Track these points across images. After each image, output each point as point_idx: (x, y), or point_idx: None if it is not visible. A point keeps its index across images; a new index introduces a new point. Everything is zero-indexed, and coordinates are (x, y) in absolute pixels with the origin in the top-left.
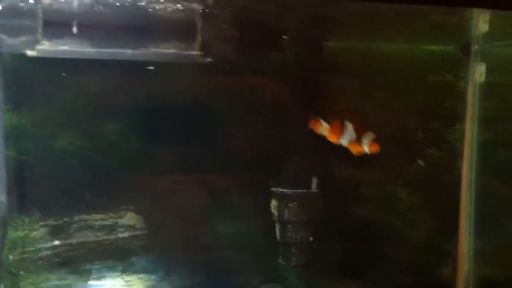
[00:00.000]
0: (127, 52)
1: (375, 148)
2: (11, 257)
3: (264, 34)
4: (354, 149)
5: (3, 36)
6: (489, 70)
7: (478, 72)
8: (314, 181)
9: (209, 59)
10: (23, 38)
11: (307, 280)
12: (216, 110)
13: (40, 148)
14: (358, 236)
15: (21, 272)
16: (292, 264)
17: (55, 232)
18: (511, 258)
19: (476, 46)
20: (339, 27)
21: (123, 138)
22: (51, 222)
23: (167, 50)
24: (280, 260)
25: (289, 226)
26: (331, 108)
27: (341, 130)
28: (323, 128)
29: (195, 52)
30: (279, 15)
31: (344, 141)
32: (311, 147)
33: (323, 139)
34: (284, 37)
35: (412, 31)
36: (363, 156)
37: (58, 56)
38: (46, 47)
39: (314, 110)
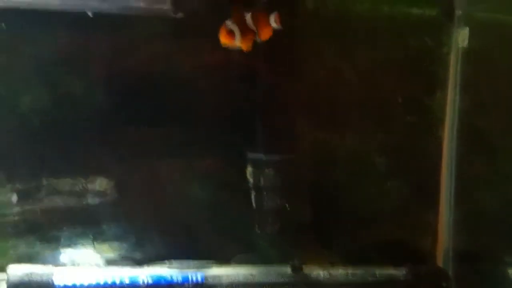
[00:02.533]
0: (92, 4)
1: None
2: None
3: None
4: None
5: None
6: (472, 36)
7: (461, 37)
8: None
9: (180, 14)
10: None
11: (283, 249)
12: (187, 70)
13: (4, 106)
14: (334, 205)
15: None
16: (268, 232)
17: (22, 197)
18: (491, 230)
19: (459, 11)
20: None
21: (91, 97)
22: (18, 186)
23: (135, 2)
24: (256, 228)
25: (265, 193)
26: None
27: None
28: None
29: (166, 7)
30: None
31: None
32: (287, 111)
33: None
34: None
35: None
36: (342, 122)
37: (22, 6)
38: None
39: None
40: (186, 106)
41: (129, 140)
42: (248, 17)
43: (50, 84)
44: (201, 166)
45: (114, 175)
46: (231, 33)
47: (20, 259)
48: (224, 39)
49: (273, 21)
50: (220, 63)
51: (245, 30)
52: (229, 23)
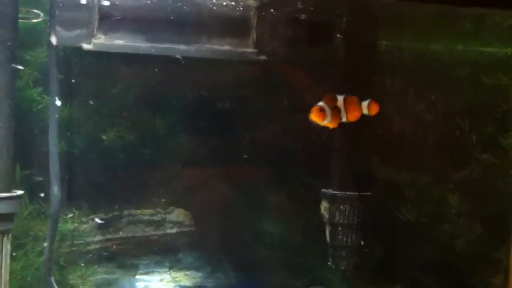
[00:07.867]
0: (181, 48)
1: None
2: (60, 249)
3: (317, 31)
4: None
5: (59, 29)
6: None
7: None
8: None
9: (263, 57)
10: (78, 31)
11: (353, 284)
12: (268, 108)
13: (91, 141)
14: (407, 241)
15: (70, 265)
16: (342, 267)
17: (104, 226)
18: None
19: None
20: (392, 26)
21: (173, 133)
22: (101, 216)
23: (221, 46)
24: (329, 263)
25: (340, 228)
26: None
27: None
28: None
29: (249, 50)
30: (332, 12)
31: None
32: (362, 149)
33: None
34: (338, 35)
35: (467, 32)
36: (415, 159)
37: (114, 50)
38: (102, 41)
39: None
40: (265, 144)
41: (206, 175)
42: (340, 99)
43: (134, 122)
44: (276, 200)
45: (192, 207)
46: (322, 112)
47: (100, 286)
48: (314, 117)
49: (366, 108)
50: (298, 104)
51: (334, 111)
52: (321, 104)
